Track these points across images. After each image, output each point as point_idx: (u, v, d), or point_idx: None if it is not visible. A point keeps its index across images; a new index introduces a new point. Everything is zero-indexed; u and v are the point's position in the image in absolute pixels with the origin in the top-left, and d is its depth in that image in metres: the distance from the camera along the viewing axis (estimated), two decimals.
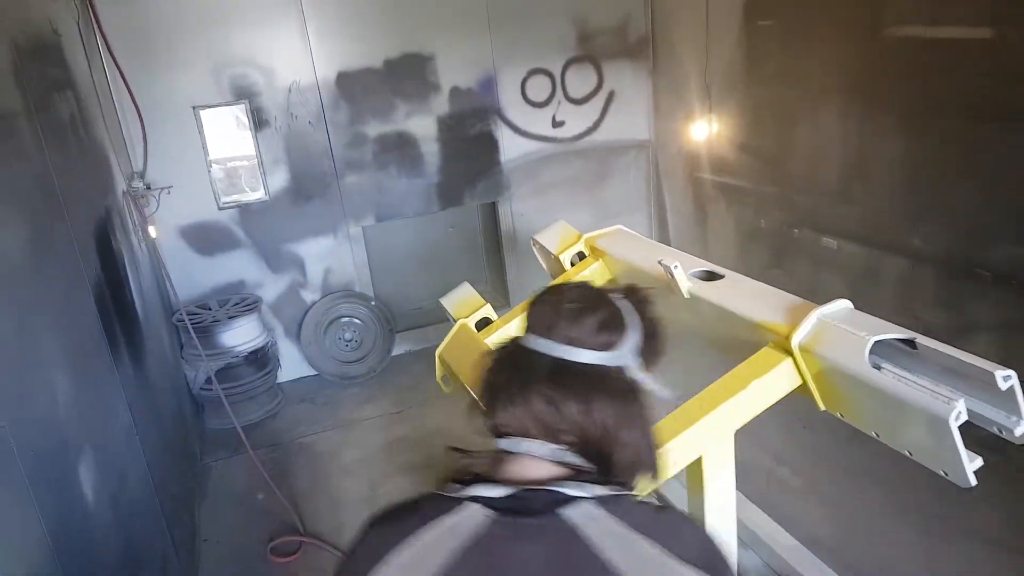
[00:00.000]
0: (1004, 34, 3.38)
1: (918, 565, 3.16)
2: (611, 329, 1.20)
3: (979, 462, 1.80)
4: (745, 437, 4.17)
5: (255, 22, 5.07)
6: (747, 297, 2.50)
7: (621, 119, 6.21)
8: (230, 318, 5.07)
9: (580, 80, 6.01)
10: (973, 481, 1.80)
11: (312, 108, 5.32)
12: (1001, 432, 1.84)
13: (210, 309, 5.24)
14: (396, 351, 5.92)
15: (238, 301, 5.31)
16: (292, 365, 5.78)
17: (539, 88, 5.91)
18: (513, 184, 6.04)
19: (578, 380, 1.15)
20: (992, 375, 1.73)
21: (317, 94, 5.31)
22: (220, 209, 5.30)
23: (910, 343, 1.98)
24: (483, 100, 5.77)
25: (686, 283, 2.71)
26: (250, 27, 5.06)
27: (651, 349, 1.24)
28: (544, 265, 3.79)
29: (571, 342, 1.17)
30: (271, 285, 5.57)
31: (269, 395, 5.39)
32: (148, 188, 4.91)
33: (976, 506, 3.47)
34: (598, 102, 6.12)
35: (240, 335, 5.09)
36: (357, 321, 5.72)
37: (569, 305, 1.21)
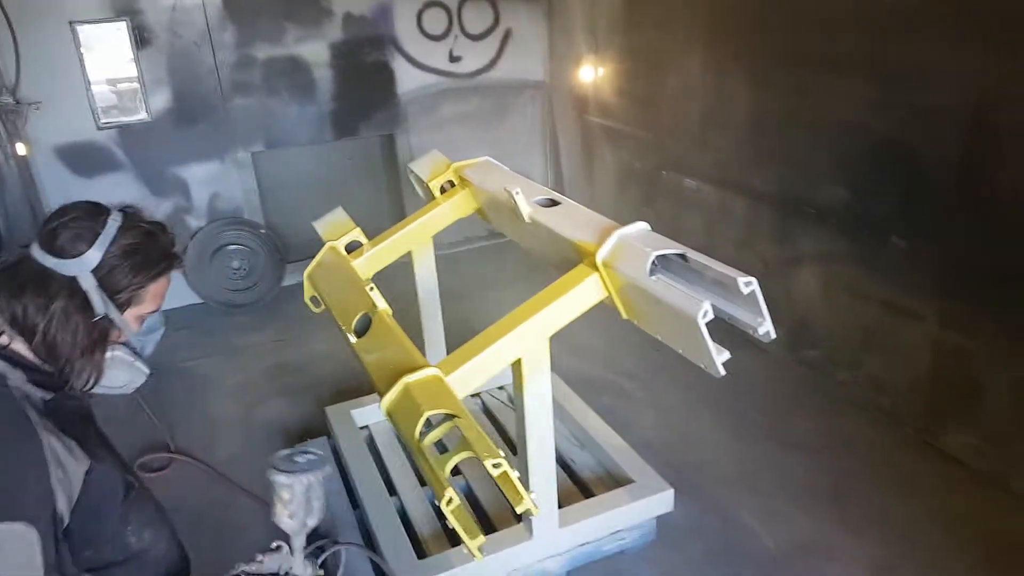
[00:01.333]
0: None
1: (729, 463, 3.64)
2: (77, 241, 1.44)
3: (726, 355, 2.10)
4: (603, 359, 4.58)
5: None
6: (572, 221, 2.73)
7: (518, 58, 6.31)
8: None
9: (477, 16, 6.06)
10: (722, 371, 2.11)
11: (197, 27, 5.21)
12: (754, 332, 2.15)
13: None
14: (288, 282, 5.89)
15: None
16: (176, 292, 5.75)
17: (435, 21, 5.94)
18: (410, 117, 6.09)
19: (21, 277, 1.42)
20: (736, 281, 2.02)
21: (203, 13, 5.19)
22: (99, 129, 5.17)
23: (684, 257, 2.25)
24: (379, 29, 5.76)
25: (526, 208, 2.92)
26: None
27: (127, 268, 1.49)
28: (420, 193, 3.93)
29: (44, 246, 1.44)
30: (153, 209, 5.30)
31: None
32: (17, 103, 4.75)
33: (789, 417, 3.93)
34: (495, 40, 6.20)
35: None
36: (245, 249, 5.73)
37: (65, 218, 1.48)
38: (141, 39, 5.07)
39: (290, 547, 1.64)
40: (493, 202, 3.38)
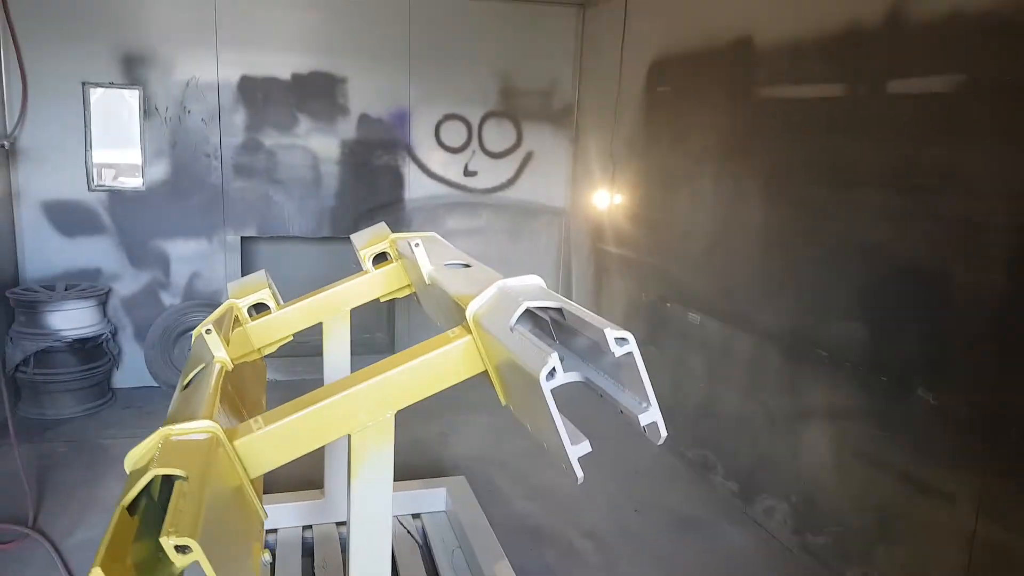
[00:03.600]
0: (855, 89, 3.17)
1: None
2: None
3: (585, 448, 1.41)
4: (563, 509, 3.75)
5: (165, 5, 5.00)
6: (470, 279, 2.17)
7: (538, 181, 6.03)
8: (63, 300, 4.71)
9: (498, 135, 5.88)
10: (579, 474, 1.41)
11: (208, 105, 5.18)
12: (638, 425, 1.46)
13: (53, 290, 4.89)
14: None
15: (85, 287, 4.97)
16: (137, 371, 5.35)
17: (454, 134, 5.78)
18: (415, 224, 5.79)
19: None
20: (604, 335, 1.37)
21: (217, 93, 5.18)
22: (91, 191, 5.05)
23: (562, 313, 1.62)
24: (394, 133, 5.63)
25: (427, 266, 2.39)
26: (159, 9, 4.99)
27: None
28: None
29: None
30: (129, 280, 5.24)
31: (93, 392, 4.94)
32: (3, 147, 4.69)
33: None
34: (515, 159, 5.97)
35: (70, 319, 4.72)
36: None
37: None
38: (149, 109, 5.05)
39: None
40: (414, 274, 2.86)
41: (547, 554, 3.37)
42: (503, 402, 1.90)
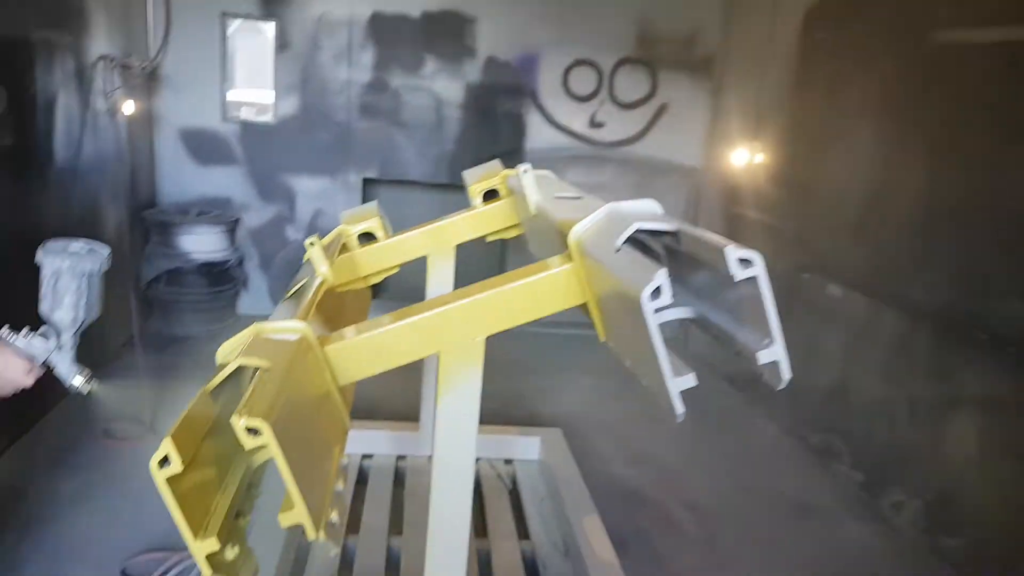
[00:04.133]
0: None
1: None
2: None
3: (690, 380, 1.21)
4: (664, 479, 3.54)
5: None
6: (576, 207, 1.99)
7: (670, 136, 5.69)
8: (194, 224, 4.94)
9: (631, 84, 5.58)
10: (680, 409, 1.22)
11: (339, 42, 5.21)
12: (755, 366, 1.25)
13: (187, 215, 5.13)
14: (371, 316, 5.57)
15: (216, 214, 5.18)
16: (261, 299, 5.56)
17: (583, 81, 5.54)
18: None
19: None
20: (723, 254, 1.16)
21: (348, 29, 5.20)
22: (224, 121, 5.23)
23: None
24: (520, 78, 5.46)
25: (534, 195, 2.22)
26: None
27: None
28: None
29: None
30: (257, 211, 5.42)
31: (218, 314, 5.18)
32: (128, 68, 4.87)
33: None
34: (647, 111, 5.66)
35: (200, 243, 4.94)
36: None
37: None
38: (283, 43, 5.14)
39: (58, 341, 1.61)
40: (522, 210, 2.71)
41: (641, 519, 3.18)
42: (601, 337, 1.72)
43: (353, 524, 2.64)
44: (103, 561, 2.54)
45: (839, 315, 3.85)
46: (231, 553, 1.31)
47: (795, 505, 3.49)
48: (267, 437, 1.17)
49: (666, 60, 5.56)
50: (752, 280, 1.22)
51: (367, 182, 5.52)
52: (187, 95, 5.11)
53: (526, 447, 3.20)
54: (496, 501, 2.84)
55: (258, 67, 5.19)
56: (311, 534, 1.24)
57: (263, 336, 1.62)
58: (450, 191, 5.55)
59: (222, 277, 5.11)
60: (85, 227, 4.10)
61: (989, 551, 2.82)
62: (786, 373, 1.25)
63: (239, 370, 1.53)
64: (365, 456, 3.19)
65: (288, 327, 1.64)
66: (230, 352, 1.61)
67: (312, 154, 5.38)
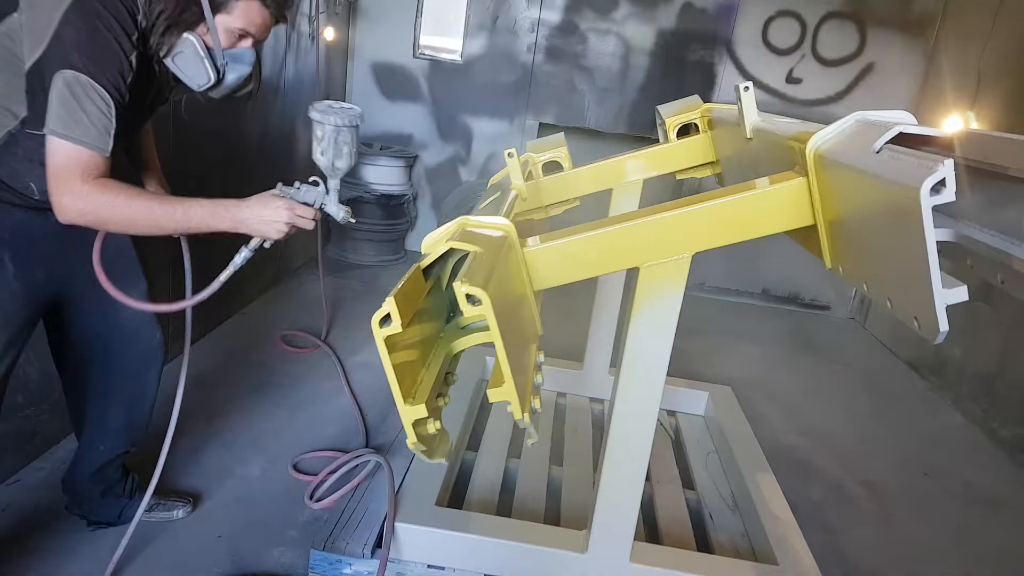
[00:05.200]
0: None
1: None
2: None
3: (962, 294, 1.04)
4: (840, 454, 3.29)
5: None
6: (804, 127, 1.81)
7: (874, 98, 5.19)
8: (377, 156, 5.13)
9: (836, 39, 5.13)
10: (944, 325, 1.05)
11: None
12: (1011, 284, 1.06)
13: (370, 147, 5.35)
14: None
15: (397, 149, 5.36)
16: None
17: (785, 33, 5.15)
18: None
19: None
20: None
21: None
22: (415, 57, 5.37)
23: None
24: (716, 26, 5.17)
25: (753, 113, 2.06)
26: None
27: None
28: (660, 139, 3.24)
29: None
30: (435, 150, 5.55)
31: (390, 247, 5.40)
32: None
33: None
34: (850, 70, 5.19)
35: (380, 175, 5.13)
36: None
37: None
38: None
39: (326, 187, 1.78)
40: (726, 142, 2.55)
41: (813, 490, 2.97)
42: (828, 264, 1.55)
43: (515, 451, 2.65)
44: (276, 455, 2.69)
45: None
46: (432, 427, 1.31)
47: (981, 496, 3.16)
48: (486, 307, 1.15)
49: (878, 16, 5.05)
50: None
51: (543, 127, 5.49)
52: (382, 28, 5.28)
53: (693, 400, 3.08)
54: (658, 449, 2.74)
55: (450, 4, 5.26)
56: (517, 413, 1.21)
57: (468, 228, 1.61)
58: (629, 142, 5.39)
59: (397, 211, 5.29)
60: (283, 144, 4.37)
61: None
62: None
63: (440, 262, 1.54)
64: None
65: (494, 223, 1.62)
66: (436, 242, 1.61)
67: (493, 96, 5.41)
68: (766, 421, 3.52)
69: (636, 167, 2.87)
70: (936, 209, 1.34)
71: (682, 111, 2.93)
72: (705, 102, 2.94)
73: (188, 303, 1.77)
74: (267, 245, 1.74)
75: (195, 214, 1.62)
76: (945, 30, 4.94)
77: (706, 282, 5.65)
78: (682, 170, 2.89)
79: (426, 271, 1.52)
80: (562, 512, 2.30)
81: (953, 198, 1.02)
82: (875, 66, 5.15)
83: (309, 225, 1.71)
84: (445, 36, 5.38)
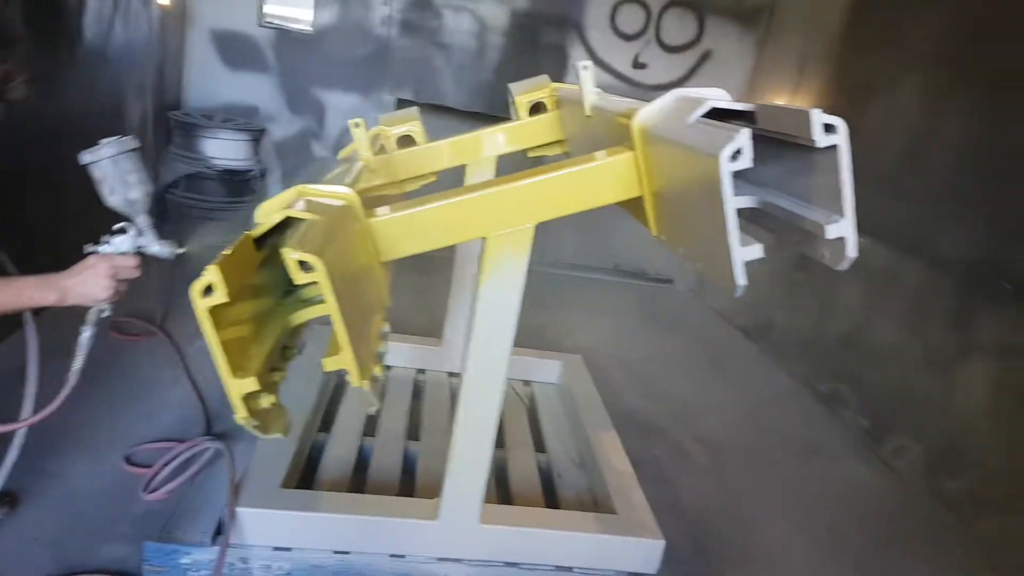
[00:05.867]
0: None
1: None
2: None
3: (756, 251, 1.15)
4: (679, 414, 3.53)
5: None
6: (637, 104, 1.90)
7: (711, 84, 5.38)
8: (219, 128, 4.85)
9: (678, 26, 5.41)
10: (742, 279, 1.16)
11: None
12: (820, 250, 1.19)
13: (212, 119, 5.04)
14: None
15: (241, 122, 5.09)
16: None
17: (631, 19, 5.37)
18: None
19: None
20: (808, 117, 1.09)
21: None
22: (260, 26, 5.10)
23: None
24: (567, 9, 5.30)
25: (591, 92, 2.14)
26: None
27: None
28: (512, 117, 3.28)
29: None
30: (284, 123, 5.33)
31: (235, 227, 5.10)
32: None
33: (895, 557, 2.68)
34: (690, 57, 5.50)
35: (223, 149, 4.85)
36: None
37: None
38: None
39: (137, 227, 1.71)
40: (571, 120, 2.63)
41: (655, 447, 3.18)
42: (654, 232, 1.66)
43: (370, 429, 2.63)
44: (107, 449, 2.51)
45: (860, 267, 3.77)
46: (266, 401, 1.27)
47: (802, 446, 3.52)
48: (320, 273, 1.13)
49: (715, 6, 5.38)
50: (831, 151, 1.15)
51: (401, 103, 5.41)
52: None
53: (547, 370, 3.18)
54: (514, 416, 2.82)
55: None
56: (355, 380, 1.21)
57: (307, 197, 1.57)
58: (488, 121, 5.41)
59: (242, 188, 5.04)
60: (107, 118, 4.02)
61: (987, 493, 2.85)
62: (852, 251, 1.19)
63: (278, 232, 1.49)
64: (384, 367, 3.16)
65: (335, 192, 1.59)
66: (270, 211, 1.55)
67: (347, 69, 5.26)
68: (614, 386, 3.71)
69: (489, 143, 2.90)
70: (744, 178, 1.47)
71: (531, 90, 2.99)
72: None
73: (47, 412, 1.81)
74: (105, 313, 1.71)
75: (26, 293, 1.61)
76: (775, 21, 5.34)
77: (561, 259, 5.83)
78: (533, 148, 2.95)
79: (262, 242, 1.47)
80: (417, 485, 2.31)
81: (750, 164, 1.12)
82: (713, 53, 5.49)
83: (133, 274, 1.69)
84: (293, 5, 5.14)
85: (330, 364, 1.19)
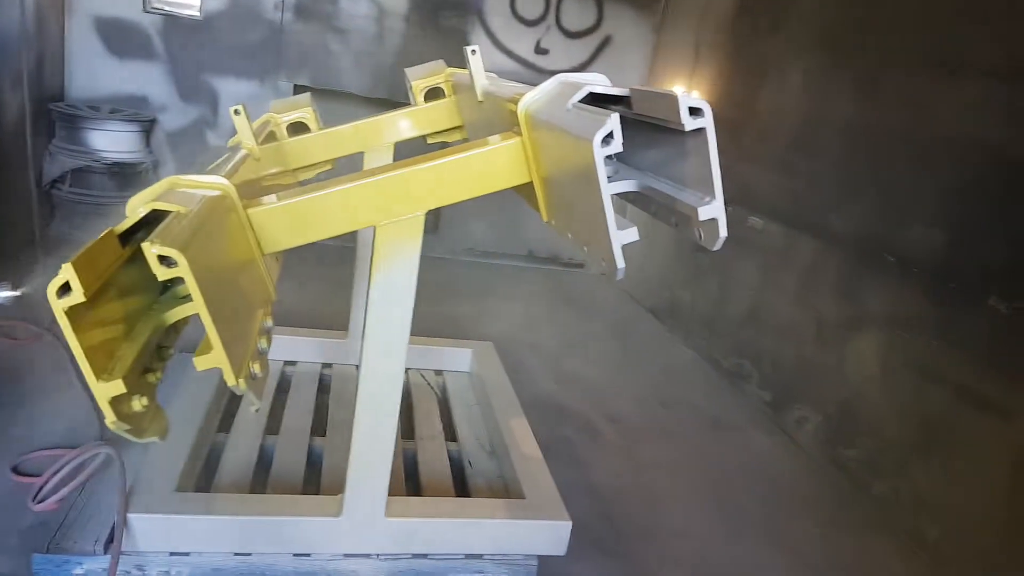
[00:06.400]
0: None
1: (689, 547, 2.55)
2: None
3: (632, 235, 1.18)
4: (591, 396, 3.59)
5: None
6: (526, 89, 1.90)
7: (612, 69, 5.60)
8: (106, 120, 4.58)
9: (577, 12, 5.45)
10: (620, 262, 1.18)
11: None
12: (694, 227, 1.22)
13: (97, 110, 4.75)
14: None
15: (130, 113, 4.82)
16: None
17: (531, 5, 5.37)
18: None
19: None
20: (676, 100, 1.11)
21: None
22: (145, 11, 4.83)
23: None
24: None
25: (482, 77, 2.13)
26: None
27: None
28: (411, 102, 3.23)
29: None
30: (176, 113, 5.07)
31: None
32: None
33: (796, 523, 2.81)
34: (591, 42, 5.56)
35: (111, 141, 4.59)
36: None
37: None
38: None
39: None
40: (465, 106, 2.61)
41: (567, 429, 3.21)
42: (544, 218, 1.66)
43: (274, 427, 2.54)
44: None
45: (757, 246, 3.94)
46: (138, 404, 1.20)
47: (707, 418, 3.65)
48: (182, 268, 1.07)
49: None
50: (701, 134, 1.18)
51: (298, 89, 5.23)
52: None
53: (458, 359, 3.16)
54: (425, 406, 2.79)
55: None
56: (230, 379, 1.15)
57: (179, 189, 1.49)
58: (389, 108, 5.32)
59: (133, 181, 4.77)
60: None
61: (881, 459, 3.01)
62: (723, 231, 1.23)
63: (153, 227, 1.41)
64: (288, 363, 3.07)
65: (209, 182, 1.52)
66: (138, 205, 1.47)
67: (240, 55, 5.05)
68: (527, 372, 3.73)
69: (385, 129, 2.84)
70: (628, 162, 1.49)
71: (427, 75, 2.95)
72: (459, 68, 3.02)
73: None
74: None
75: None
76: (670, 6, 5.46)
77: (475, 247, 5.81)
78: (432, 134, 2.91)
79: (130, 237, 1.39)
80: (323, 481, 2.26)
81: (620, 148, 1.13)
82: (612, 39, 5.57)
83: None
84: None
85: (201, 363, 1.13)
